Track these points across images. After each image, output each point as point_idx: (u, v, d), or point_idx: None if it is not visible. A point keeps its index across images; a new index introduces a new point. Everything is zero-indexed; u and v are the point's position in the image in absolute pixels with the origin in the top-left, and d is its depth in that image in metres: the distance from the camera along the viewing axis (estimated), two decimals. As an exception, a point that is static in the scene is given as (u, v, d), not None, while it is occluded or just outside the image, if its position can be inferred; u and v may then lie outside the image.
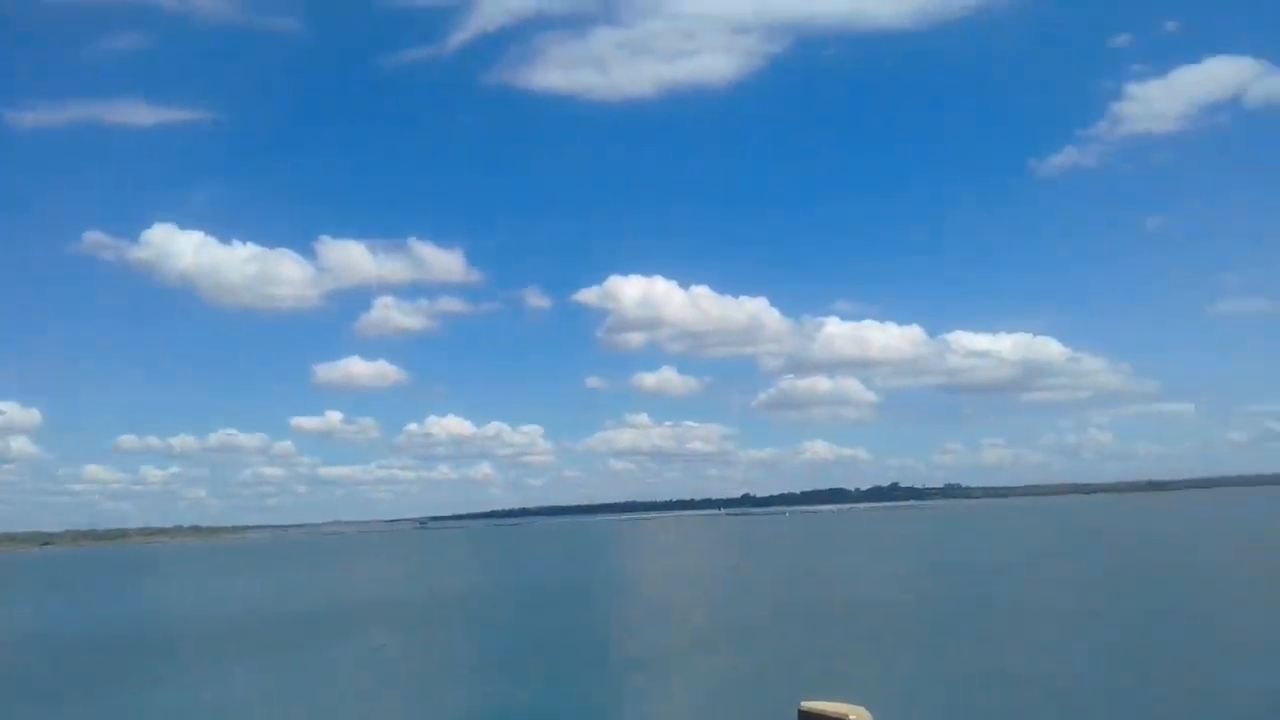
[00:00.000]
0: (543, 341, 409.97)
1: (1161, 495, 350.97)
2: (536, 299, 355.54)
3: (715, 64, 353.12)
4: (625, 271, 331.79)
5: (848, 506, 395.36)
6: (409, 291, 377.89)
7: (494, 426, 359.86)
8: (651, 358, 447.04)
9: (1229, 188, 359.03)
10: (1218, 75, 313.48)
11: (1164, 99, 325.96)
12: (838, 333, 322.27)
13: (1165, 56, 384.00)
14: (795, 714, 6.86)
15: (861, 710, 6.84)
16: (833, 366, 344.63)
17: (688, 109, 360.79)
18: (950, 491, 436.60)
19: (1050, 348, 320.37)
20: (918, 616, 48.29)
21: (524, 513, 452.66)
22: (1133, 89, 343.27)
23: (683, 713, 30.02)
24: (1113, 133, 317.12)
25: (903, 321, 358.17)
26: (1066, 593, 55.18)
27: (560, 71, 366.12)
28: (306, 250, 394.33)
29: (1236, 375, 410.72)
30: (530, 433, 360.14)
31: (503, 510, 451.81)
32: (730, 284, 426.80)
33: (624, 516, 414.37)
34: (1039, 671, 32.04)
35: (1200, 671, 30.76)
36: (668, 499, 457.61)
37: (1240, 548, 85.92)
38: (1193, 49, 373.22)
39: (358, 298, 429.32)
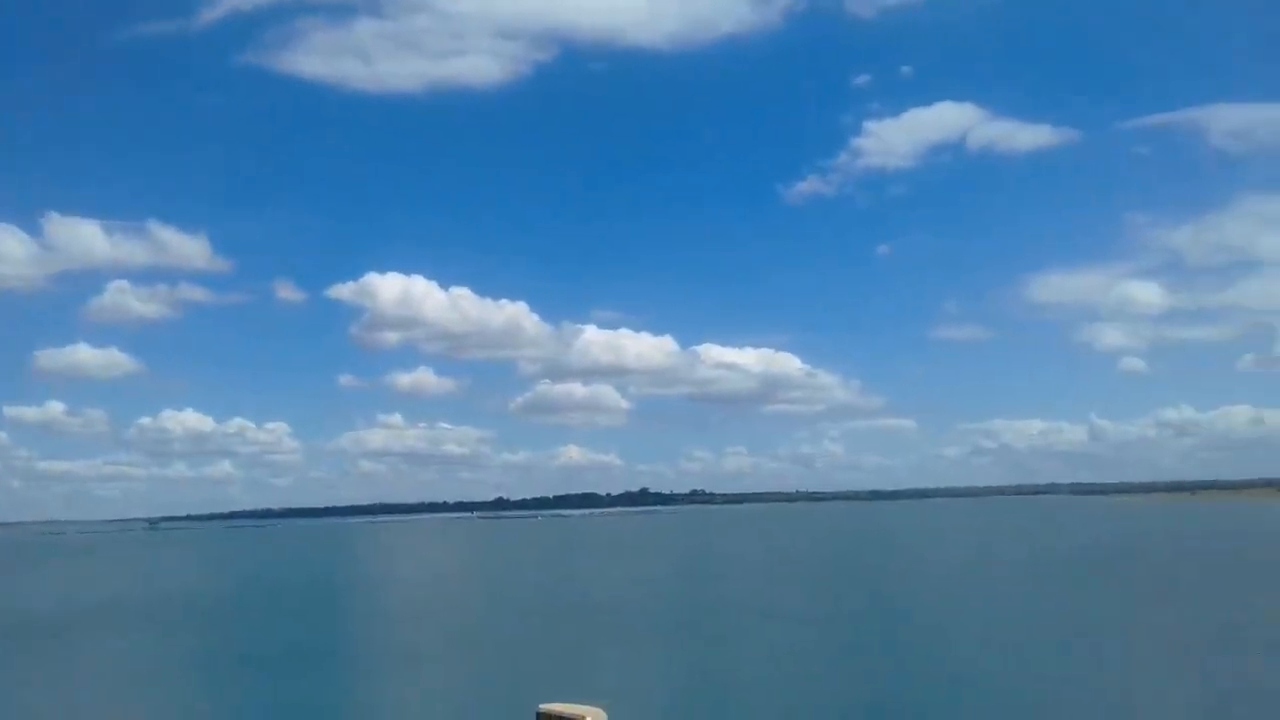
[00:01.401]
0: (292, 336, 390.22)
1: (883, 504, 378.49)
2: (287, 292, 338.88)
3: (481, 66, 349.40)
4: (383, 269, 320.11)
5: (599, 511, 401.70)
6: (146, 277, 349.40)
7: (236, 423, 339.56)
8: (408, 357, 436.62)
9: (950, 222, 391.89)
10: (945, 119, 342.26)
11: (897, 137, 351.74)
12: (595, 340, 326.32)
13: (900, 98, 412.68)
14: (534, 717, 7.26)
15: (599, 711, 7.22)
16: (589, 373, 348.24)
17: (453, 108, 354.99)
18: (695, 497, 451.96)
19: (790, 363, 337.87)
20: (655, 617, 50.23)
21: (267, 514, 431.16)
22: (871, 125, 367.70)
23: (421, 715, 30.06)
24: (852, 165, 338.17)
25: (657, 332, 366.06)
26: (793, 593, 58.93)
27: (320, 58, 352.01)
28: (31, 227, 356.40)
29: (952, 395, 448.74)
30: (276, 430, 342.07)
31: (244, 511, 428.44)
32: (491, 287, 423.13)
33: (373, 519, 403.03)
34: (767, 667, 34.28)
35: (914, 662, 33.84)
36: (419, 501, 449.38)
37: (951, 553, 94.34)
38: (924, 93, 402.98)
39: (88, 281, 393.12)
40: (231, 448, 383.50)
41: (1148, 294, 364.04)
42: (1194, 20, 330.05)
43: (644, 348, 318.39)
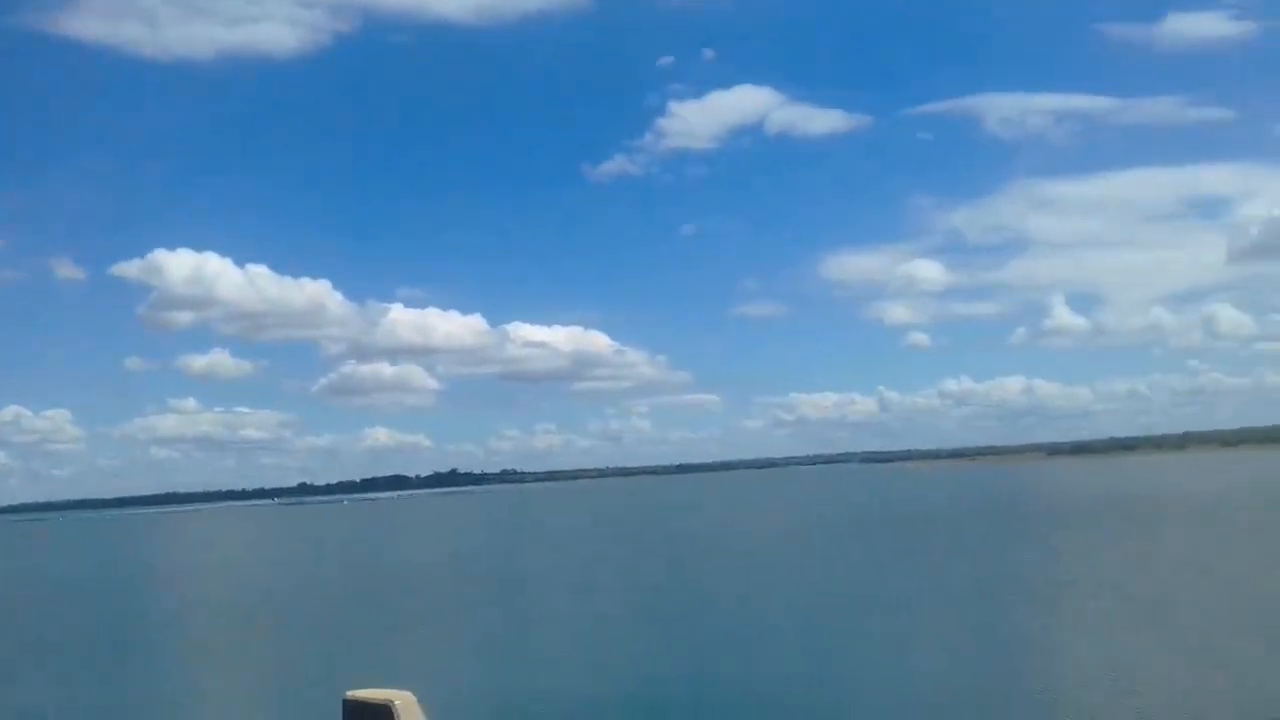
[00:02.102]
0: (73, 317, 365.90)
1: (689, 477, 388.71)
2: (67, 270, 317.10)
3: (278, 34, 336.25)
4: (172, 245, 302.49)
5: (408, 493, 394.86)
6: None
7: (11, 410, 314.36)
8: (202, 339, 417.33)
9: (750, 203, 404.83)
10: (745, 102, 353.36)
11: (700, 118, 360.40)
12: (402, 319, 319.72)
13: (703, 80, 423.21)
14: (340, 705, 7.35)
15: (407, 695, 7.37)
16: (396, 353, 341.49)
17: (247, 78, 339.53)
18: (506, 476, 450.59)
19: (599, 341, 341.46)
20: (463, 598, 50.47)
21: (47, 507, 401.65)
22: (674, 107, 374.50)
23: (227, 710, 29.31)
24: (657, 145, 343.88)
25: (465, 310, 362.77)
26: (602, 568, 60.10)
27: (101, 21, 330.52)
28: None
29: (753, 370, 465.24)
30: (55, 418, 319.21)
31: (21, 505, 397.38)
32: (291, 264, 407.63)
33: (166, 509, 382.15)
34: (575, 643, 35.05)
35: (719, 627, 35.26)
36: (215, 489, 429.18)
37: (752, 522, 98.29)
38: (726, 76, 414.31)
39: None
40: (5, 437, 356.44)
41: (930, 272, 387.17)
42: (971, 13, 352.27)
43: (453, 326, 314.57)
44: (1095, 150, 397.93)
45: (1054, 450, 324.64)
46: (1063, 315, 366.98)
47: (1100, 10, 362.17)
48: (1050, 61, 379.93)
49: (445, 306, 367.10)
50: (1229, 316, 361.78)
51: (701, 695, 26.58)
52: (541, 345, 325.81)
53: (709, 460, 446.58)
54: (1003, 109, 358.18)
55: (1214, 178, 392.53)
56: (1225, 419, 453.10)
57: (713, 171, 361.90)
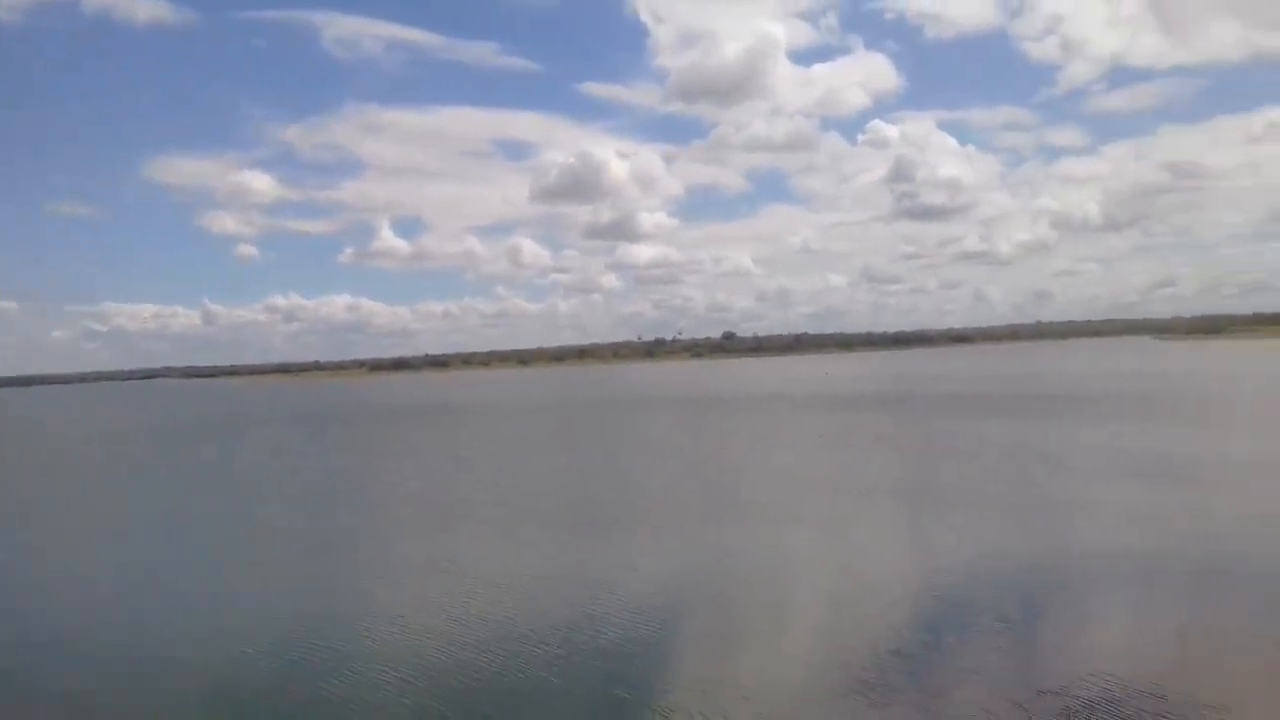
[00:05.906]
0: None
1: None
2: None
3: None
4: None
5: None
6: None
7: None
8: None
9: (62, 90, 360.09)
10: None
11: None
12: None
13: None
14: None
15: None
16: None
17: None
18: None
19: None
20: None
21: None
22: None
23: None
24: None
25: None
26: None
27: None
28: None
29: (60, 276, 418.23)
30: None
31: None
32: None
33: None
34: None
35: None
36: None
37: (53, 443, 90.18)
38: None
39: None
40: None
41: (262, 184, 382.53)
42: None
43: None
44: (423, 84, 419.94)
45: (376, 366, 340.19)
46: (389, 238, 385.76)
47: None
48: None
49: None
50: (530, 249, 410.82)
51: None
52: None
53: (5, 375, 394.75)
54: (340, 28, 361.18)
55: (521, 123, 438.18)
56: (525, 339, 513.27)
57: (16, 49, 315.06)
